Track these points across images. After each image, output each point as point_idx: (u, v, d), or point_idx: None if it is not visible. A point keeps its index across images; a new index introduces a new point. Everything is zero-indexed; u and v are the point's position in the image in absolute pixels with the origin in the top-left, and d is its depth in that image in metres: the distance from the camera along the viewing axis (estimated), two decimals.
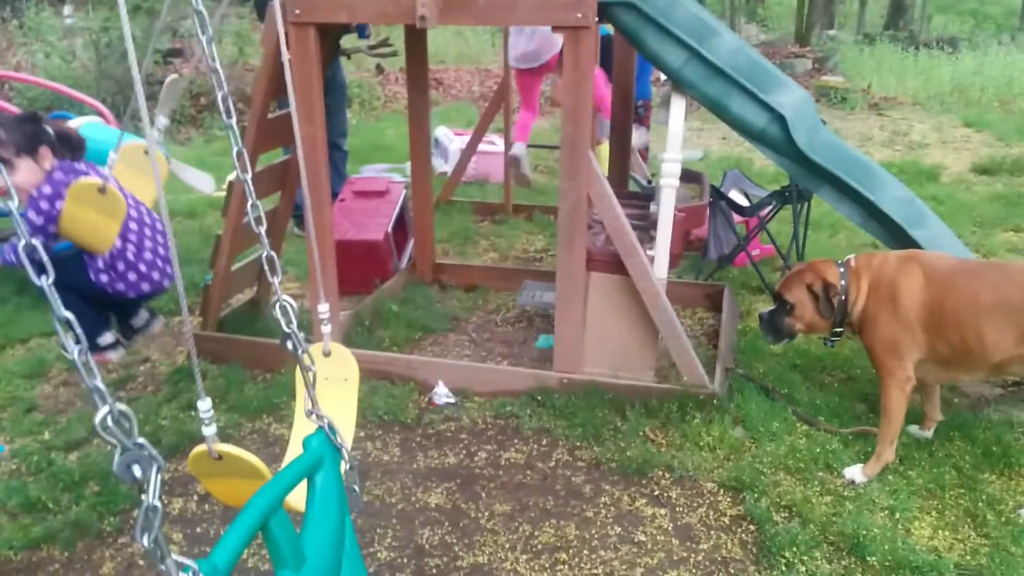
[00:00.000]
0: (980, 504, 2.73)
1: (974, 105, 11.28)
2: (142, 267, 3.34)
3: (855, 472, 2.89)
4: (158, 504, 1.19)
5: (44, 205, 3.04)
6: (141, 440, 1.20)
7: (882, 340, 2.89)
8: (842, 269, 3.01)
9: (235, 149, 1.74)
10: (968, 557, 2.50)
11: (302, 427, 2.00)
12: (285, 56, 2.18)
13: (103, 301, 3.46)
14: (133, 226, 3.34)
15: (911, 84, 12.36)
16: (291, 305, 1.66)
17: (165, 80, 4.32)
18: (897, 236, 3.44)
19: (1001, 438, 3.06)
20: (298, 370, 1.96)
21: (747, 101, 3.33)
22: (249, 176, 1.77)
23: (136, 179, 3.47)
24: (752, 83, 3.30)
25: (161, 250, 3.52)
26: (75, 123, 4.81)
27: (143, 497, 1.19)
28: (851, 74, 13.07)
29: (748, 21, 19.06)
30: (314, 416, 1.70)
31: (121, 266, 3.28)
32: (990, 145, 8.81)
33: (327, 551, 1.59)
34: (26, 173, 3.09)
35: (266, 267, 1.74)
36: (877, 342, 2.91)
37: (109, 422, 1.16)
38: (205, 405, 1.60)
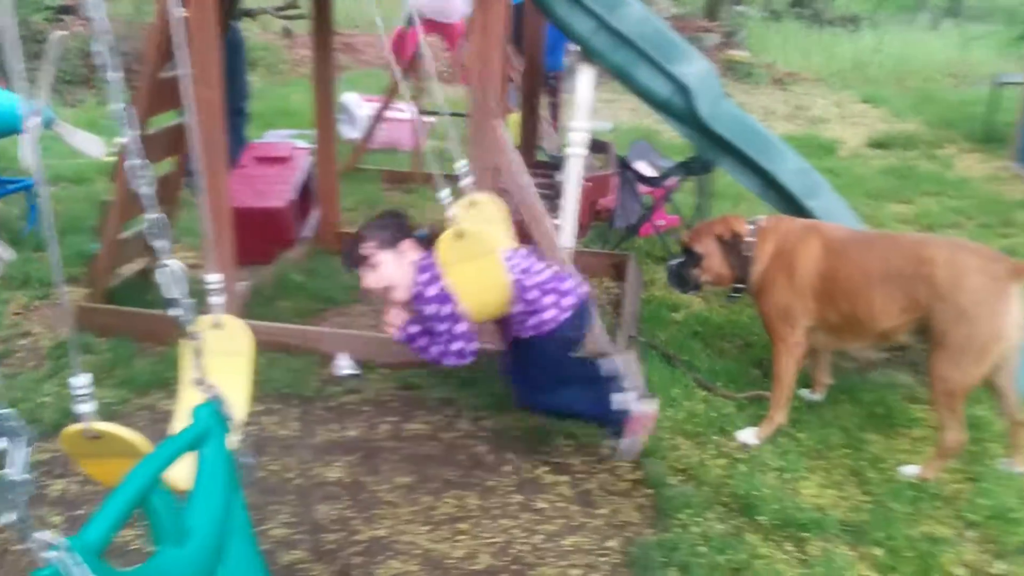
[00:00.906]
0: (864, 463, 2.85)
1: (872, 82, 11.69)
2: (550, 285, 2.74)
3: (748, 435, 2.97)
4: (23, 478, 1.13)
5: (433, 291, 2.67)
6: (5, 411, 1.14)
7: (776, 306, 2.97)
8: (752, 227, 3.06)
9: (117, 105, 1.63)
10: (851, 513, 2.61)
11: (189, 399, 1.92)
12: (177, 11, 2.07)
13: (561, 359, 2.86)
14: (515, 257, 2.80)
15: (814, 60, 12.72)
16: (177, 269, 1.58)
17: (50, 37, 4.10)
18: (794, 206, 3.53)
19: (885, 400, 3.19)
20: (185, 341, 1.89)
21: (653, 71, 3.36)
22: (133, 133, 1.66)
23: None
24: (658, 53, 3.32)
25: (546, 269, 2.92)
26: None
27: (6, 471, 1.13)
28: (757, 49, 13.36)
29: None
30: (202, 386, 1.64)
31: (553, 296, 2.71)
32: (886, 120, 9.15)
33: (213, 524, 1.54)
34: (390, 267, 2.78)
35: (153, 231, 1.65)
36: (771, 307, 2.99)
37: None
38: (80, 381, 1.51)
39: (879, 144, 7.88)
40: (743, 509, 2.60)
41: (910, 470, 2.79)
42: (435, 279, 2.68)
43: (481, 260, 2.65)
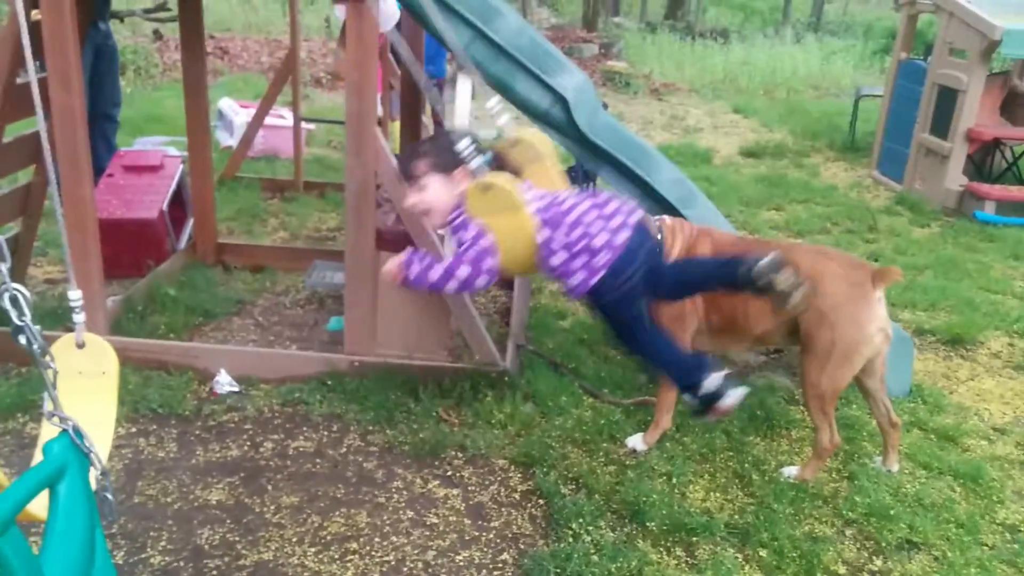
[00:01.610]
0: (747, 465, 2.94)
1: (743, 93, 12.19)
2: (582, 244, 2.49)
3: (636, 441, 3.02)
4: None
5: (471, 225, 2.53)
6: None
7: (670, 307, 2.94)
8: (659, 223, 2.99)
9: None
10: (737, 516, 2.68)
11: (49, 432, 1.78)
12: (21, 14, 1.93)
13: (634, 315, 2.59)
14: (546, 209, 2.59)
15: (688, 72, 13.15)
16: (23, 294, 1.46)
17: None
18: (671, 215, 3.61)
19: (764, 402, 3.31)
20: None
21: (531, 82, 3.37)
22: None
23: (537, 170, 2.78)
24: (535, 65, 3.34)
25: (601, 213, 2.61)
26: None
27: None
28: (634, 60, 13.72)
29: (540, 4, 19.47)
30: (55, 419, 1.51)
31: (583, 258, 2.48)
32: (756, 130, 9.55)
33: (72, 570, 1.42)
34: (437, 192, 2.60)
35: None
36: (666, 309, 2.94)
37: None
38: None
39: (750, 153, 8.22)
40: (633, 516, 2.63)
41: (790, 471, 2.89)
42: (479, 229, 2.55)
43: (509, 214, 2.54)
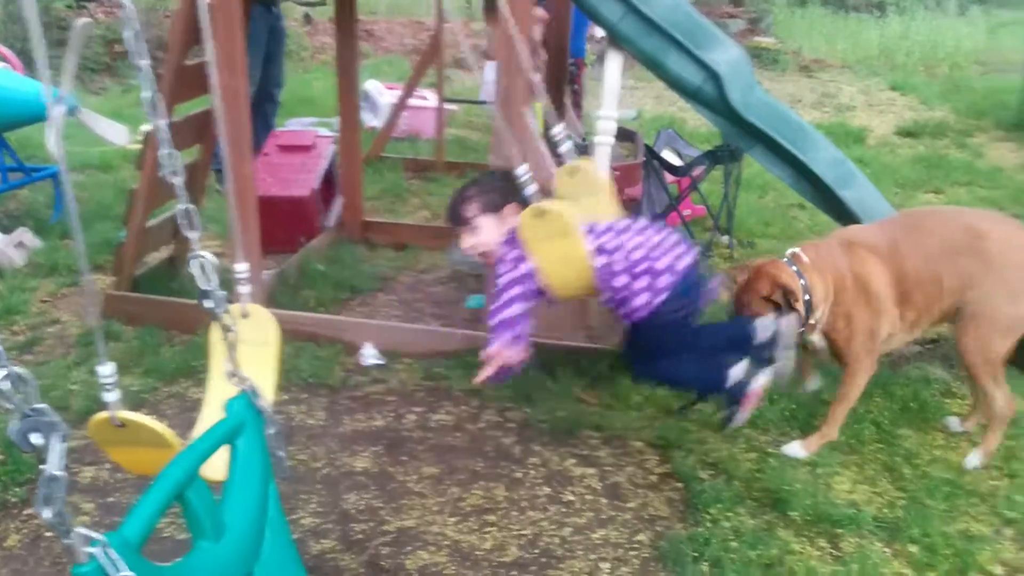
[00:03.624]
0: (897, 458, 2.81)
1: (900, 69, 11.53)
2: (643, 266, 2.54)
3: (795, 449, 2.84)
4: (60, 473, 1.13)
5: (511, 257, 2.60)
6: (40, 405, 1.13)
7: (860, 333, 2.77)
8: (794, 267, 2.75)
9: (147, 93, 1.62)
10: (886, 510, 2.57)
11: (217, 391, 1.91)
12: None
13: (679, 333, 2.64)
14: (603, 234, 2.62)
15: (840, 47, 12.55)
16: (210, 262, 1.57)
17: (75, 24, 4.09)
18: (826, 197, 3.47)
19: (918, 394, 3.14)
20: (213, 331, 1.88)
21: (684, 58, 3.29)
22: (164, 122, 1.66)
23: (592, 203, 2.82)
24: (689, 40, 3.25)
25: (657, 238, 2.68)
26: None
27: (43, 467, 1.12)
28: (783, 36, 13.20)
29: None
30: (235, 379, 1.63)
31: (646, 279, 2.52)
32: (914, 109, 9.01)
33: (249, 519, 1.53)
34: (490, 232, 2.69)
35: (184, 221, 1.64)
36: (855, 335, 2.78)
37: (6, 386, 1.09)
38: (107, 370, 1.51)
39: (908, 133, 7.77)
40: (775, 504, 2.56)
41: (974, 460, 2.76)
42: (520, 259, 2.59)
43: (561, 240, 2.53)
